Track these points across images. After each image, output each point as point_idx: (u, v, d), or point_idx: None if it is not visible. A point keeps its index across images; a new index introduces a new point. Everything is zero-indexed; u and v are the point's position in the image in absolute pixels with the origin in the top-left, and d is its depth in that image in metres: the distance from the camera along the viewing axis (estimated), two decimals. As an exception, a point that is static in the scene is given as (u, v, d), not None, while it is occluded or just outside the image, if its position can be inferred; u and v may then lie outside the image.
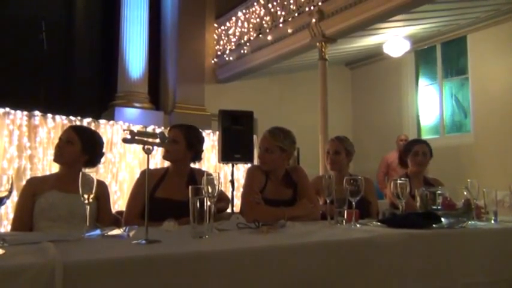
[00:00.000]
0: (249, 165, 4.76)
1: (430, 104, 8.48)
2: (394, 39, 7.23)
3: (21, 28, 6.79)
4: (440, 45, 8.15)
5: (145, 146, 1.65)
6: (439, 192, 2.38)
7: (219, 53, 8.63)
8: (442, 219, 2.11)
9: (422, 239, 1.92)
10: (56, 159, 2.50)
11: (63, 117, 5.27)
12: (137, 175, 2.76)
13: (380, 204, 3.18)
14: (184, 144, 2.64)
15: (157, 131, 5.70)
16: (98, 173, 5.08)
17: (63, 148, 2.46)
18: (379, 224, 2.19)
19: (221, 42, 8.61)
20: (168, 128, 2.85)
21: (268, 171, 2.73)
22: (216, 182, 1.94)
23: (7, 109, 4.92)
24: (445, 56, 8.22)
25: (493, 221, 2.43)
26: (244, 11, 8.04)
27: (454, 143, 7.55)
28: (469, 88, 7.66)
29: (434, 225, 2.07)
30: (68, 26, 7.82)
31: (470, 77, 7.61)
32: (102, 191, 2.48)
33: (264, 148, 2.71)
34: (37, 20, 6.04)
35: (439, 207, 2.28)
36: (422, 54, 8.61)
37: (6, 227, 4.38)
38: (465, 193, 2.46)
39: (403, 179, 2.36)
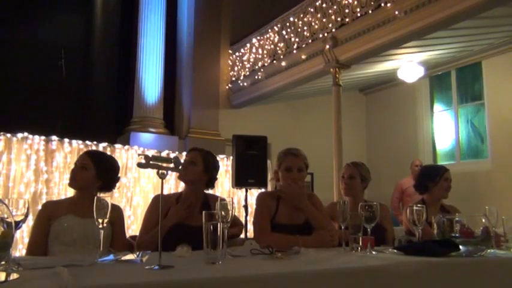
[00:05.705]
0: (263, 190, 4.75)
1: (445, 129, 8.40)
2: (408, 65, 7.22)
3: (41, 55, 6.97)
4: (455, 70, 8.12)
5: (160, 171, 1.66)
6: (456, 219, 2.33)
7: (233, 78, 8.72)
8: (461, 247, 2.06)
9: (440, 267, 1.87)
10: (70, 184, 2.53)
11: (80, 142, 5.35)
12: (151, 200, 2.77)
13: (395, 231, 3.12)
14: (202, 166, 2.66)
15: (172, 155, 5.75)
16: (113, 197, 5.11)
17: (78, 173, 2.49)
18: (395, 251, 2.15)
19: (235, 68, 8.72)
20: (188, 150, 2.88)
21: (280, 196, 2.71)
22: (229, 207, 1.93)
23: (25, 134, 5.01)
24: (460, 82, 8.18)
25: (513, 250, 2.37)
26: (258, 37, 8.16)
27: (471, 168, 7.44)
28: (485, 114, 7.59)
29: (452, 254, 2.02)
30: (86, 53, 8.02)
31: (486, 103, 7.54)
32: (117, 215, 2.49)
33: (297, 170, 2.66)
34: (57, 47, 6.20)
35: (457, 235, 2.23)
36: (437, 80, 8.59)
37: (21, 251, 4.40)
38: (483, 220, 2.39)
39: (419, 205, 2.32)
